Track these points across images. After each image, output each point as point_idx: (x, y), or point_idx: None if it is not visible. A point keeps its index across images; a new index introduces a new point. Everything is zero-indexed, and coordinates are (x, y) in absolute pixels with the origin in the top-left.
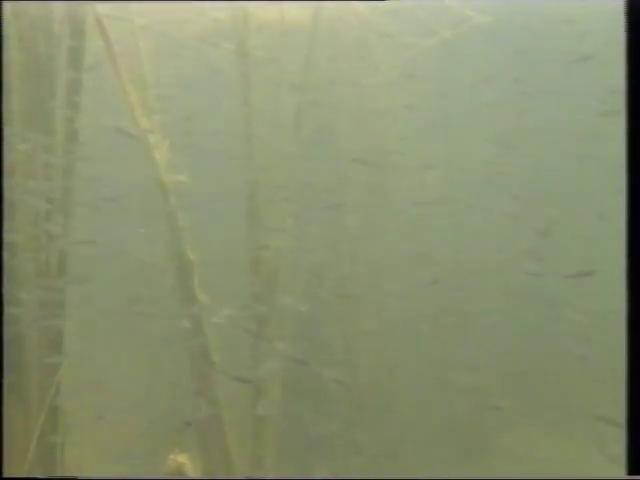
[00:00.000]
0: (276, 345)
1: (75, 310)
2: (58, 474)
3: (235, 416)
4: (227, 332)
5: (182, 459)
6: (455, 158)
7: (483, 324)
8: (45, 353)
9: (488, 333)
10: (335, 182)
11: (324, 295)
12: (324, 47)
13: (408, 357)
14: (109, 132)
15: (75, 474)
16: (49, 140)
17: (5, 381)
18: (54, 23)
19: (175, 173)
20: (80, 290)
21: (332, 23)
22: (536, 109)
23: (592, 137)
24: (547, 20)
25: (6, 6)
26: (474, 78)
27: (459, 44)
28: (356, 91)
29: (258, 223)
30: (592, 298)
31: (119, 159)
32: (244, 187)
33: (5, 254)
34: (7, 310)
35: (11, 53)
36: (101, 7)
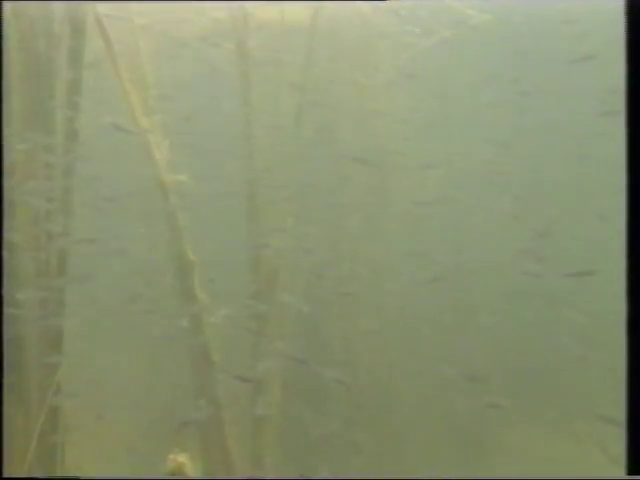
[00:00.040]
0: (276, 344)
1: (75, 309)
2: (58, 474)
3: (235, 416)
4: (227, 331)
5: (182, 459)
6: (455, 158)
7: (483, 324)
8: (45, 353)
9: (488, 333)
10: (335, 182)
11: (324, 295)
12: (324, 47)
13: (408, 357)
14: (109, 132)
15: (75, 474)
16: (49, 140)
17: (5, 381)
18: (54, 23)
19: (175, 173)
20: (80, 290)
21: (332, 23)
22: (536, 109)
23: (592, 137)
24: (547, 20)
25: (6, 6)
26: (474, 78)
27: (459, 44)
28: (356, 91)
29: (258, 223)
30: (592, 298)
31: (119, 159)
32: (244, 187)
33: (5, 254)
34: (7, 310)
35: (11, 53)
36: (101, 7)
